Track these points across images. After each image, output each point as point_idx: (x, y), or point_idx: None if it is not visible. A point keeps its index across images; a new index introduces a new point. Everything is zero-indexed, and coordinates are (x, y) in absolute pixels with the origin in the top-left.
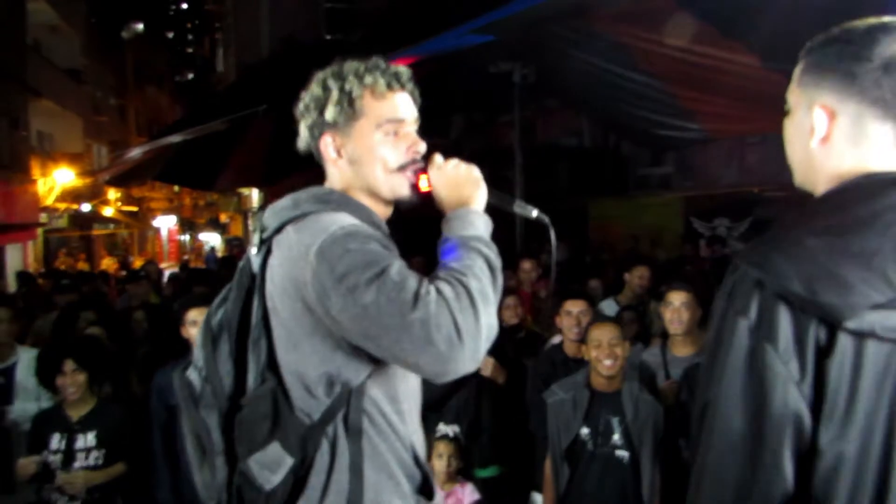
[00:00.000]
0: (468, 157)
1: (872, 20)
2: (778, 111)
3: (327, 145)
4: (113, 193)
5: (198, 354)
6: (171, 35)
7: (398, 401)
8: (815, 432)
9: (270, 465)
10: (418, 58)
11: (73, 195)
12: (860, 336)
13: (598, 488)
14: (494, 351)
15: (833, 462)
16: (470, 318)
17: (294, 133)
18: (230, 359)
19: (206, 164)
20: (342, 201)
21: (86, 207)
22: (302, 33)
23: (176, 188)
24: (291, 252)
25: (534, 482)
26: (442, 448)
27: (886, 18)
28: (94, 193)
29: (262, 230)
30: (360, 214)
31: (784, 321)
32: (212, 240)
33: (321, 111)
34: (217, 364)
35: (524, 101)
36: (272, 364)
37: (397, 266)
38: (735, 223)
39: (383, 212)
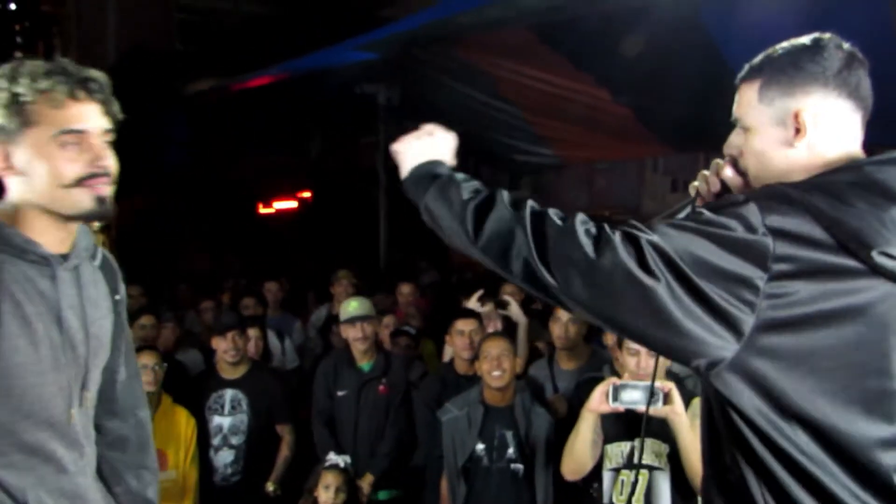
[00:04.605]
0: (329, 176)
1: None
2: (624, 140)
3: None
4: None
5: None
6: None
7: None
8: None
9: None
10: (286, 75)
11: None
12: (875, 270)
13: (495, 503)
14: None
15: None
16: None
17: (138, 143)
18: None
19: None
20: None
21: None
22: (153, 43)
23: None
24: None
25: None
26: (330, 479)
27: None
28: None
29: None
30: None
31: (797, 223)
32: None
33: None
34: None
35: (388, 123)
36: None
37: None
38: None
39: (58, 230)
